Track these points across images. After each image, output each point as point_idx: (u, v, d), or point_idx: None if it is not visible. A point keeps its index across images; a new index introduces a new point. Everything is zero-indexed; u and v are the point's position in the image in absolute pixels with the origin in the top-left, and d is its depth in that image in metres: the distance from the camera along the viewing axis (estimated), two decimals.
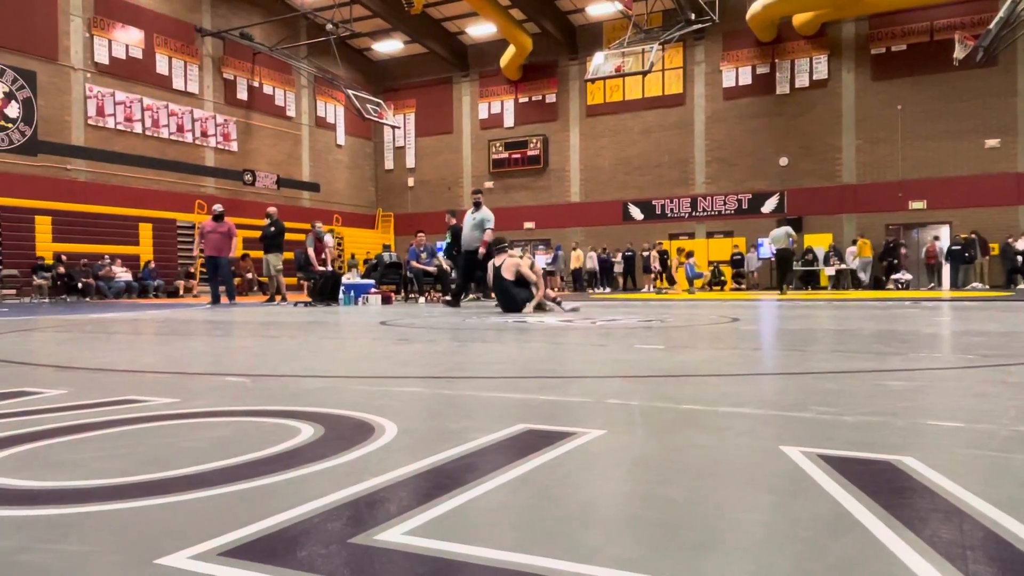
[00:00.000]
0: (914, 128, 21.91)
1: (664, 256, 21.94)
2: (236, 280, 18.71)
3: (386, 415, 2.10)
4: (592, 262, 24.51)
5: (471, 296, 13.92)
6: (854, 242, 21.83)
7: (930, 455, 1.57)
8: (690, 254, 21.20)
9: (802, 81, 23.40)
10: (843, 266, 21.68)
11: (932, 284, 21.27)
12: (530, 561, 1.00)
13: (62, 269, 17.60)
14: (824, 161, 23.13)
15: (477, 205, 11.20)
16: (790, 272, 17.12)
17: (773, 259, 17.53)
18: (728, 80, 24.39)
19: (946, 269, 20.86)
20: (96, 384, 2.97)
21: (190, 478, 1.46)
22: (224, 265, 13.16)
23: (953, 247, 20.56)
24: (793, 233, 16.65)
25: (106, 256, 19.04)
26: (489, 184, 28.14)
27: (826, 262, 22.01)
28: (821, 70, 23.17)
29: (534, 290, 8.80)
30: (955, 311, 8.38)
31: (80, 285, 17.75)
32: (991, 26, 17.55)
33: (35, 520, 1.22)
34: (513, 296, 8.70)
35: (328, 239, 16.79)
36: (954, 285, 20.27)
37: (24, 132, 18.27)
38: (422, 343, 4.92)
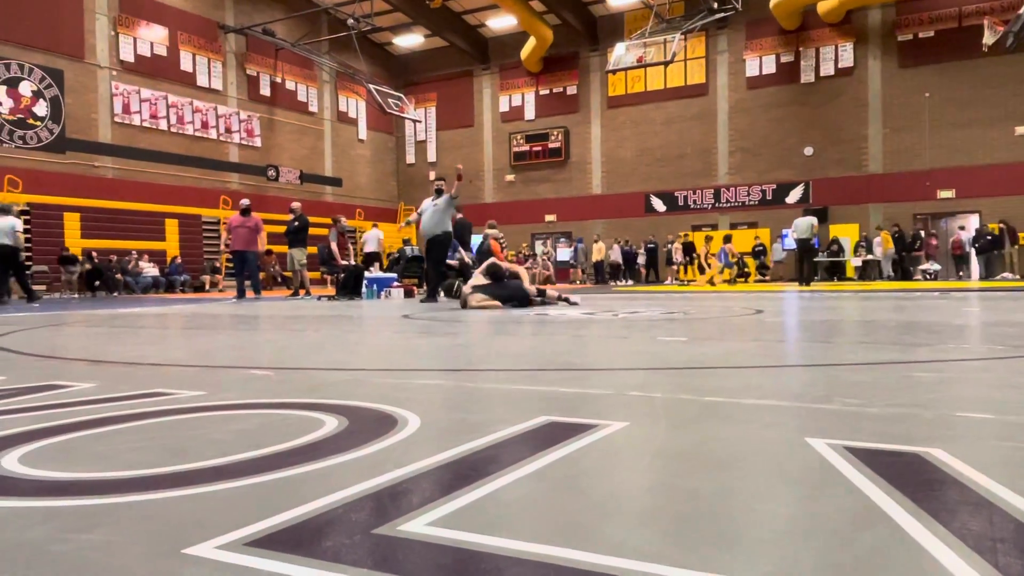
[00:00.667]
0: (942, 116, 21.52)
1: (690, 248, 21.70)
2: (260, 275, 18.90)
3: (409, 407, 2.10)
4: (616, 254, 24.46)
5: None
6: (878, 228, 21.58)
7: (959, 447, 1.54)
8: (727, 238, 20.64)
9: (827, 69, 23.07)
10: (870, 257, 21.40)
11: (961, 274, 20.92)
12: (553, 552, 1.00)
13: (88, 267, 17.86)
14: (850, 150, 22.81)
15: (439, 192, 10.64)
16: (810, 263, 16.87)
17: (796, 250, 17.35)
18: (751, 69, 24.12)
19: (975, 259, 20.52)
20: (125, 377, 3.01)
21: (217, 469, 1.48)
22: (252, 260, 13.26)
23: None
24: (816, 224, 16.44)
25: (133, 252, 19.31)
26: (510, 177, 28.12)
27: (856, 252, 21.73)
28: (847, 58, 22.83)
29: (523, 280, 8.68)
30: (984, 301, 8.24)
31: (105, 279, 18.02)
32: (1021, 11, 17.18)
33: (65, 510, 1.24)
34: (519, 289, 8.49)
35: (377, 233, 16.91)
36: (983, 275, 19.94)
37: (52, 130, 18.56)
38: (444, 336, 4.93)
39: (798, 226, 16.26)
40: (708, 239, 20.90)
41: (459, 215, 14.81)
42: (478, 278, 8.52)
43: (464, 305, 8.32)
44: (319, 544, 1.05)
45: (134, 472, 1.48)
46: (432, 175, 29.53)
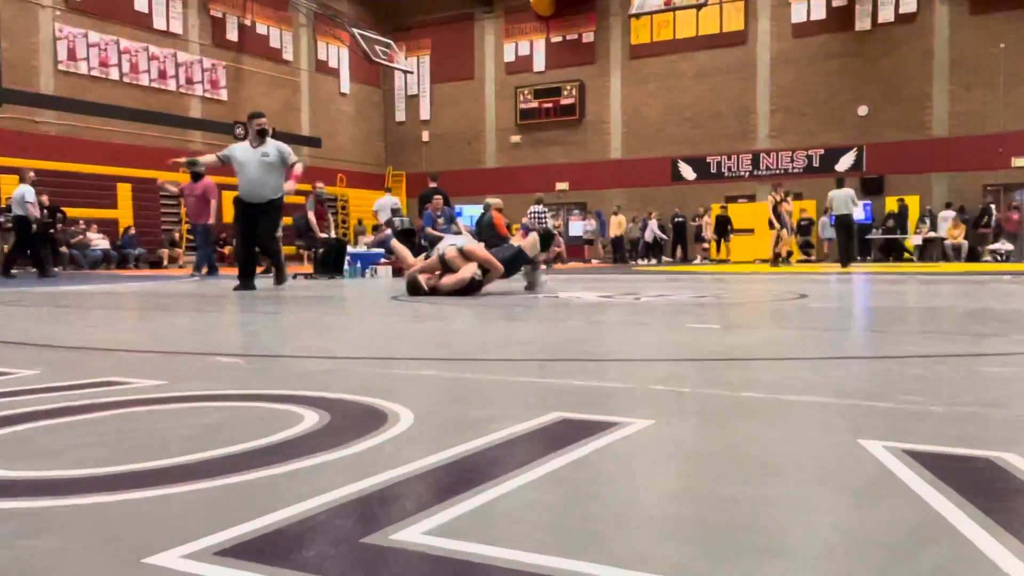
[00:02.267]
0: (1019, 71, 21.34)
1: (724, 223, 21.44)
2: (226, 249, 18.89)
3: (400, 401, 2.11)
4: (648, 231, 24.18)
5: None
6: (948, 205, 21.44)
7: None
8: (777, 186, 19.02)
9: (886, 15, 22.88)
10: (932, 234, 21.31)
11: None
12: (566, 566, 1.00)
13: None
14: (911, 110, 22.67)
15: (262, 134, 8.69)
16: (853, 241, 16.70)
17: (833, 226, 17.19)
18: (798, 14, 23.92)
19: None
20: (72, 364, 3.03)
21: (181, 469, 1.49)
22: (200, 232, 13.21)
23: None
24: (854, 197, 16.21)
25: (80, 221, 19.29)
26: (516, 138, 28.01)
27: (916, 228, 21.63)
28: (909, 2, 22.62)
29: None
30: None
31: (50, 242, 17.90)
32: None
33: (10, 513, 1.25)
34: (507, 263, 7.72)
35: (391, 200, 16.85)
36: None
37: None
38: (439, 320, 4.94)
39: (834, 200, 16.12)
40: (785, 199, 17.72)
41: (434, 183, 14.80)
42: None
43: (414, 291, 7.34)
44: (299, 554, 1.05)
45: (87, 471, 1.49)
46: (426, 135, 29.43)
